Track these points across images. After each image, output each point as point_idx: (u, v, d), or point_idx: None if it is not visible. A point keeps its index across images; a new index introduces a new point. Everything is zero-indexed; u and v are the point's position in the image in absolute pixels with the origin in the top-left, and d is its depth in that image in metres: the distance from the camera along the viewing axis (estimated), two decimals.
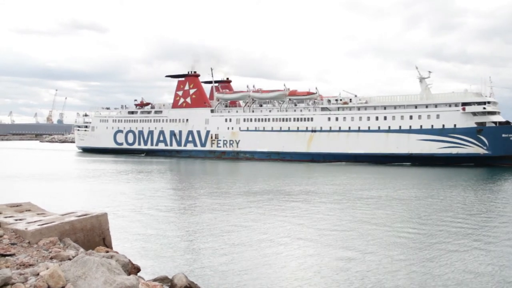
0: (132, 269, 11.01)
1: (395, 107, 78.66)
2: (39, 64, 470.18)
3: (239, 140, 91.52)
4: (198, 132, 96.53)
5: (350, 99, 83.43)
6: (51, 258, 10.07)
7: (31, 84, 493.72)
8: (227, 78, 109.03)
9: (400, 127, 77.05)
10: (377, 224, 25.29)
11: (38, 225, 11.31)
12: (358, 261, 18.07)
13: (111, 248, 12.17)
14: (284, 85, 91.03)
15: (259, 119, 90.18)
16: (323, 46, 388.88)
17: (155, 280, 11.75)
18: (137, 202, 33.13)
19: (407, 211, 29.77)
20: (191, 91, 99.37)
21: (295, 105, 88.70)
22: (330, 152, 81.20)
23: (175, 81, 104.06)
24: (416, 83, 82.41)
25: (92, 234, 11.74)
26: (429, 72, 79.97)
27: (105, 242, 12.00)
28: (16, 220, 11.79)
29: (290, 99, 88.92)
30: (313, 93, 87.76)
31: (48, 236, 11.08)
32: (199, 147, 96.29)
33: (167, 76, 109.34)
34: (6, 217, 12.04)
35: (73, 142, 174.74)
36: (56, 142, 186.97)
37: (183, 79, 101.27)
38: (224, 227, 24.18)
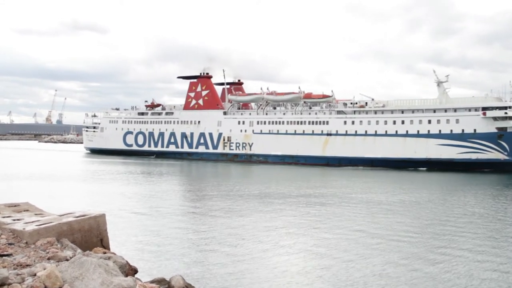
0: (130, 270, 11.01)
1: (413, 111, 77.46)
2: (39, 64, 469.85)
3: (252, 143, 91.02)
4: (210, 134, 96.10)
5: (366, 103, 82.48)
6: (48, 259, 10.10)
7: (31, 84, 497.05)
8: (239, 80, 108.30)
9: (418, 131, 75.78)
10: (390, 231, 24.76)
11: (36, 225, 11.28)
12: (361, 267, 17.69)
13: (109, 249, 12.16)
14: (299, 87, 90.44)
15: (273, 122, 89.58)
16: (323, 48, 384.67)
17: (152, 282, 11.70)
18: (137, 203, 33.18)
19: (424, 219, 28.92)
20: (203, 93, 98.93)
21: (310, 108, 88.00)
22: (346, 156, 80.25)
23: (176, 83, 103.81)
24: (416, 87, 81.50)
25: (89, 235, 11.60)
26: (447, 76, 78.65)
27: (103, 243, 11.87)
28: (14, 220, 11.77)
29: (305, 102, 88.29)
30: (328, 96, 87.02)
31: (46, 236, 11.06)
32: (211, 150, 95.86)
33: (178, 77, 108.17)
34: (4, 217, 12.02)
35: (73, 142, 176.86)
36: (56, 142, 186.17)
37: (195, 80, 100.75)
38: (224, 230, 23.98)
